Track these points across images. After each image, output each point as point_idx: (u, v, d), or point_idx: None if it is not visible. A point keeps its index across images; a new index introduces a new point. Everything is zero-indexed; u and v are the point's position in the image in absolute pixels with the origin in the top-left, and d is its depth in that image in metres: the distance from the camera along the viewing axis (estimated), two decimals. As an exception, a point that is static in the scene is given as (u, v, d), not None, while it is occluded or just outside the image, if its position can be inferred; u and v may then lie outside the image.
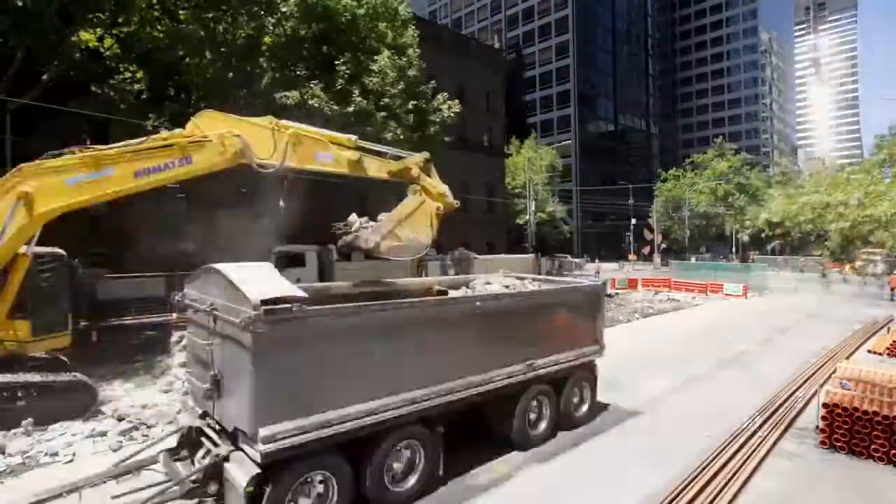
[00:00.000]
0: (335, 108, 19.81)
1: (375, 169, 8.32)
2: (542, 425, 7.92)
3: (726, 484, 6.47)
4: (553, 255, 52.92)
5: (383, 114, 20.73)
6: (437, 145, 25.03)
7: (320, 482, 5.29)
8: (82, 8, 14.13)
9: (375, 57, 20.56)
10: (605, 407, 9.54)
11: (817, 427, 8.08)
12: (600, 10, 75.42)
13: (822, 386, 8.94)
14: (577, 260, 57.45)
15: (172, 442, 6.29)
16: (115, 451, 7.46)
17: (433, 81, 25.57)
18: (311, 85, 20.29)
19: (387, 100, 20.75)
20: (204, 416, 5.88)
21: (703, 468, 6.82)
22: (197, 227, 18.23)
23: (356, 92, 19.81)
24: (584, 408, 8.76)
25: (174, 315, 12.91)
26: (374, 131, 21.03)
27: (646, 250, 57.00)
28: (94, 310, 12.94)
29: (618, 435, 8.41)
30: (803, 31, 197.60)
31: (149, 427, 8.30)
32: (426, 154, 8.78)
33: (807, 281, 38.18)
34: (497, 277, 9.63)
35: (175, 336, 12.87)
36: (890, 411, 7.38)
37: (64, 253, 10.22)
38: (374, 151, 8.58)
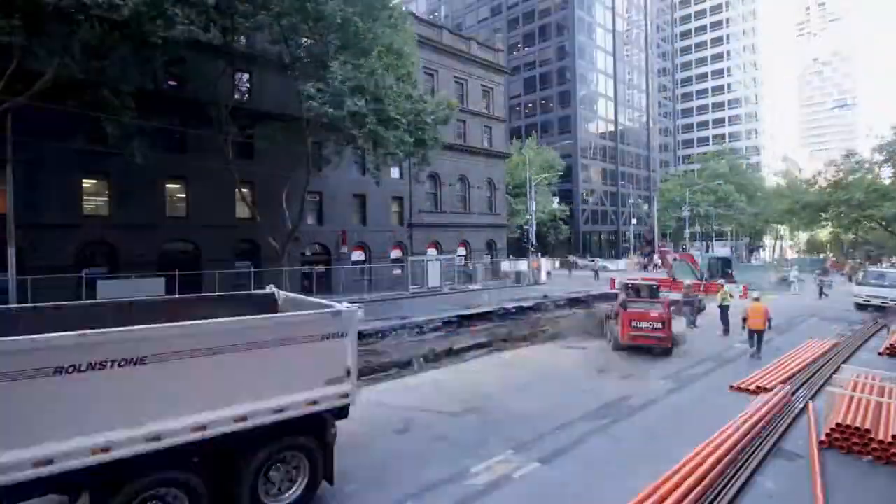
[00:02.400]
0: (330, 110, 19.76)
1: None
2: None
3: (727, 483, 6.47)
4: (557, 255, 52.93)
5: (377, 116, 20.66)
6: (434, 147, 25.03)
7: None
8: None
9: (364, 58, 20.40)
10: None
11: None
12: (600, 10, 75.43)
13: (823, 385, 8.94)
14: (580, 260, 57.52)
15: None
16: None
17: (432, 83, 25.52)
18: (309, 87, 20.26)
19: (381, 105, 20.66)
20: None
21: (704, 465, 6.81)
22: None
23: (350, 93, 19.74)
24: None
25: None
26: (367, 134, 21.00)
27: (646, 251, 57.06)
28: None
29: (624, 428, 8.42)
30: (803, 31, 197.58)
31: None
32: None
33: (807, 281, 38.12)
34: None
35: None
36: (888, 414, 7.38)
37: None
38: None
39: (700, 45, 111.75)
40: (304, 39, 21.30)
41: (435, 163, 28.97)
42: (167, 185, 23.47)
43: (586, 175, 71.58)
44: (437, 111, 24.29)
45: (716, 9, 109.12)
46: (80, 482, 4.63)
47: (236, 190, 23.66)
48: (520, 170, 54.09)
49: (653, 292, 15.72)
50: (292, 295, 8.29)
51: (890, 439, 7.16)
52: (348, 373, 6.18)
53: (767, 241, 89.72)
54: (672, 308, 15.71)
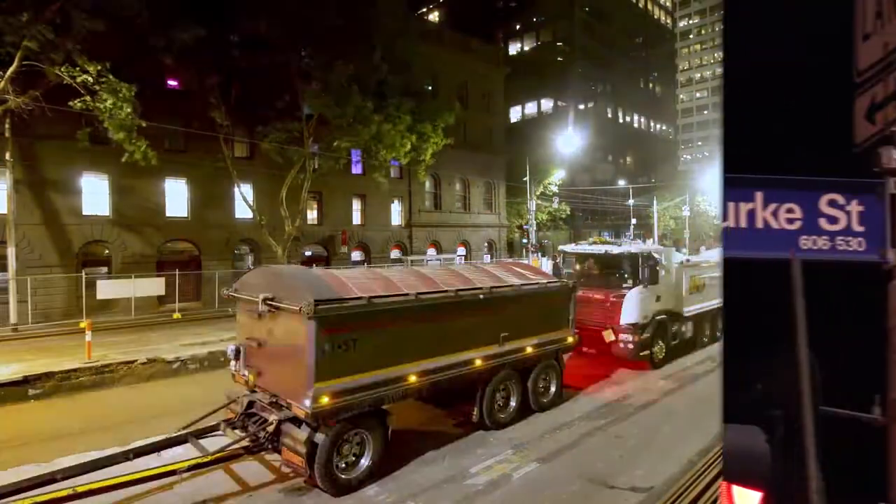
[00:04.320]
0: (334, 108, 19.76)
1: None
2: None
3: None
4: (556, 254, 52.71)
5: (380, 116, 20.66)
6: (436, 146, 25.01)
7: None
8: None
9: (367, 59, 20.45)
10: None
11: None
12: (600, 9, 75.39)
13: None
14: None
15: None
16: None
17: (432, 82, 25.56)
18: (312, 85, 20.24)
19: (385, 102, 20.68)
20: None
21: (706, 467, 6.81)
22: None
23: (355, 91, 19.74)
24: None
25: None
26: (370, 132, 21.02)
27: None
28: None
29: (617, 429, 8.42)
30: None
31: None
32: None
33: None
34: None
35: None
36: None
37: None
38: None
39: (700, 45, 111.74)
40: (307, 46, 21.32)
41: (435, 162, 28.94)
42: (167, 185, 23.45)
43: (586, 175, 71.52)
44: (442, 113, 24.36)
45: (716, 8, 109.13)
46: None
47: (236, 190, 23.64)
48: (521, 169, 54.04)
49: None
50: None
51: None
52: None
53: None
54: None
